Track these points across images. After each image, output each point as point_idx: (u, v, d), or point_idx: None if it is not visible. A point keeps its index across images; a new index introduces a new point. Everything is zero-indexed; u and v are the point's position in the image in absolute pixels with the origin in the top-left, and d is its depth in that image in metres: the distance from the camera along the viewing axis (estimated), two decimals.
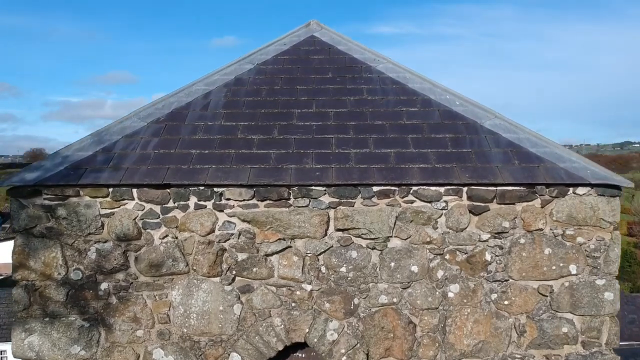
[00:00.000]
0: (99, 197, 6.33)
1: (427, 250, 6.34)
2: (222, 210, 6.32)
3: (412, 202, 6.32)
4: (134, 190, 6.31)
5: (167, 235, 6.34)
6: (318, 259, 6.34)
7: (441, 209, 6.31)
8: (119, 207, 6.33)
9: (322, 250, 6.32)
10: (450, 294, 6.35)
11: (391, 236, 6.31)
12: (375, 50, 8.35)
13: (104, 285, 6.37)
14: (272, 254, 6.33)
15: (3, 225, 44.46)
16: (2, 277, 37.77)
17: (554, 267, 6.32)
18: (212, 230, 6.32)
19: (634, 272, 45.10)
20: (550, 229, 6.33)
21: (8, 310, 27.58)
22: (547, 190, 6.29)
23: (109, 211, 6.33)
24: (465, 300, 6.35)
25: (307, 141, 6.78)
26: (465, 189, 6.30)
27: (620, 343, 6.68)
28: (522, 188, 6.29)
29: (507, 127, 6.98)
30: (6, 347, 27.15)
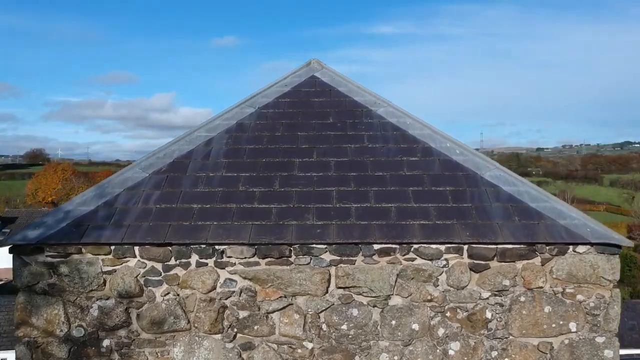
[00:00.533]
0: (101, 255, 6.36)
1: (428, 308, 6.37)
2: (223, 268, 6.34)
3: (413, 259, 6.34)
4: (136, 248, 6.34)
5: (168, 293, 6.37)
6: (319, 317, 6.37)
7: (442, 267, 6.34)
8: (121, 264, 6.36)
9: (323, 308, 6.35)
10: (451, 352, 6.38)
11: (392, 294, 6.34)
12: (375, 93, 8.35)
13: (106, 342, 6.40)
14: (274, 311, 6.36)
15: (3, 230, 44.72)
16: (1, 282, 37.81)
17: (554, 325, 6.35)
18: (214, 288, 6.35)
19: (634, 276, 45.04)
20: (551, 287, 6.36)
21: (8, 318, 27.65)
22: (548, 248, 6.31)
23: (110, 268, 6.36)
24: (465, 358, 6.38)
25: (308, 194, 6.80)
26: (465, 247, 6.32)
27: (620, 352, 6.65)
28: (522, 246, 6.31)
29: (507, 179, 7.00)
30: (6, 355, 27.23)
